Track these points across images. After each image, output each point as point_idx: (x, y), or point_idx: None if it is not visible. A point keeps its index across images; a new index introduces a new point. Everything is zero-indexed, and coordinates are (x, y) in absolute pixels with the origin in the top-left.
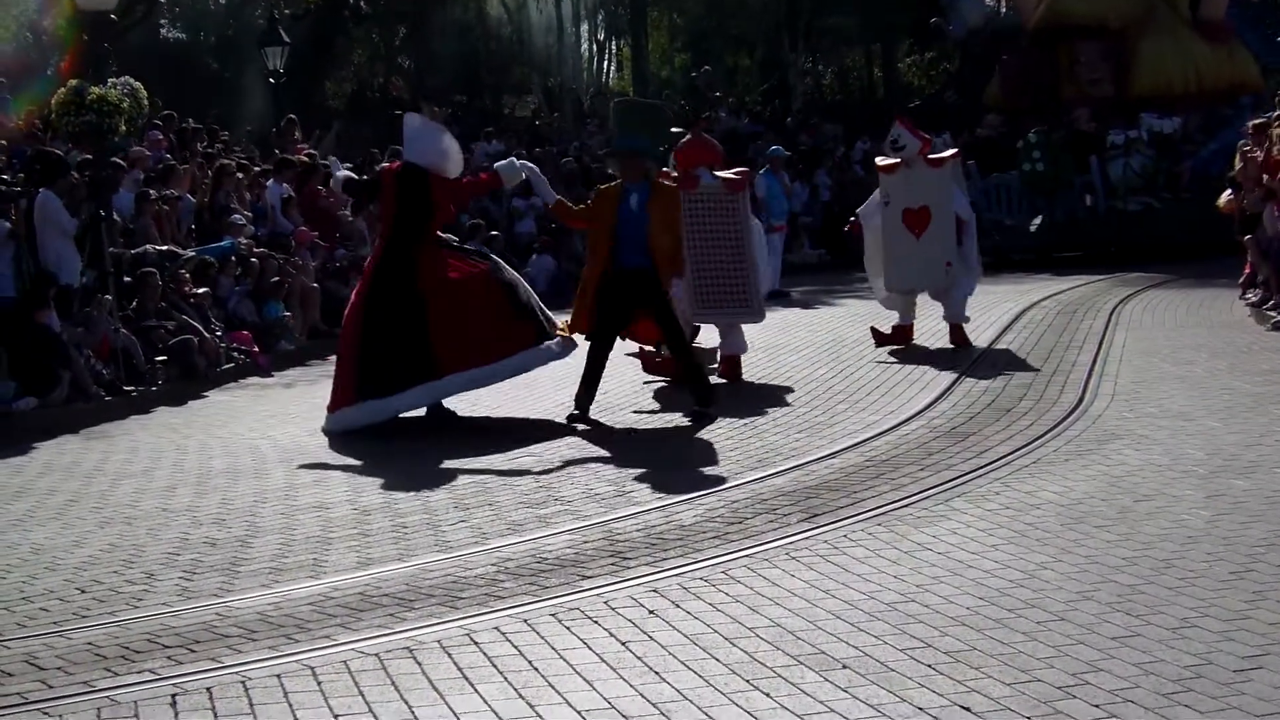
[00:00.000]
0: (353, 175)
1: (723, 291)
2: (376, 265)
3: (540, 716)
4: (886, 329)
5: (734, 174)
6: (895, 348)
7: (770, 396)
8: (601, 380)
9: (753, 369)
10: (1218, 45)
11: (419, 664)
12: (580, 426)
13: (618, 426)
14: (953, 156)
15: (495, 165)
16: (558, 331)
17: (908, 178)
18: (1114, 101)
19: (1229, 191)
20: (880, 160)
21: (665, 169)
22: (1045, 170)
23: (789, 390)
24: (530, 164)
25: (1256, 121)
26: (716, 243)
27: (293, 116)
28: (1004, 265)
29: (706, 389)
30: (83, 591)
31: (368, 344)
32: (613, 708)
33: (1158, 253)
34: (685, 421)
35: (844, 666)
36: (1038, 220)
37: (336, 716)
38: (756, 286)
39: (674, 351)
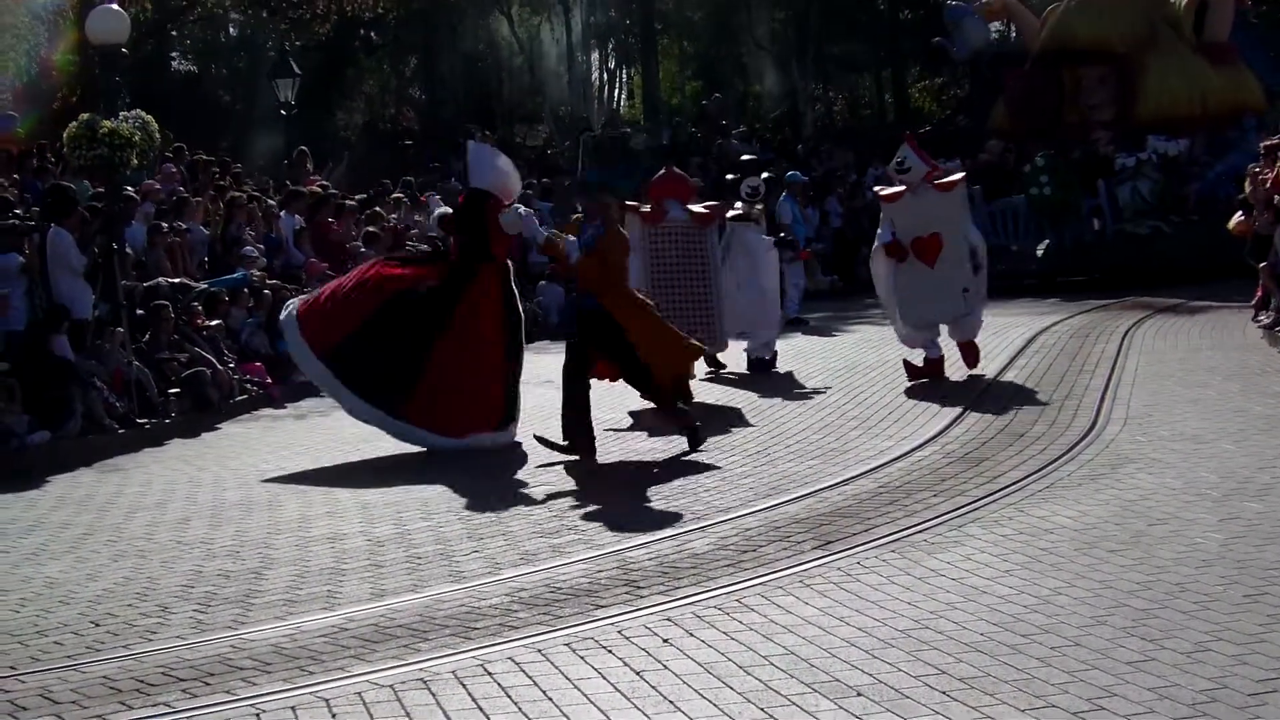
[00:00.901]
0: (449, 210)
1: (685, 322)
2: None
3: None
4: (919, 362)
5: (704, 209)
6: (925, 381)
7: (783, 423)
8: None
9: (762, 397)
10: (1222, 67)
11: (433, 695)
12: (554, 455)
13: (632, 457)
14: (961, 180)
15: (500, 217)
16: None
17: (914, 205)
18: (1119, 124)
19: (1240, 214)
20: (882, 190)
21: (634, 203)
22: (1053, 194)
23: (802, 417)
24: (521, 208)
25: (1268, 143)
26: (681, 274)
27: (304, 148)
28: (1011, 291)
29: (687, 426)
30: (97, 625)
31: (372, 328)
32: None
33: (1166, 276)
34: (699, 449)
35: (858, 694)
36: (1044, 245)
37: None
38: (720, 317)
39: (641, 392)
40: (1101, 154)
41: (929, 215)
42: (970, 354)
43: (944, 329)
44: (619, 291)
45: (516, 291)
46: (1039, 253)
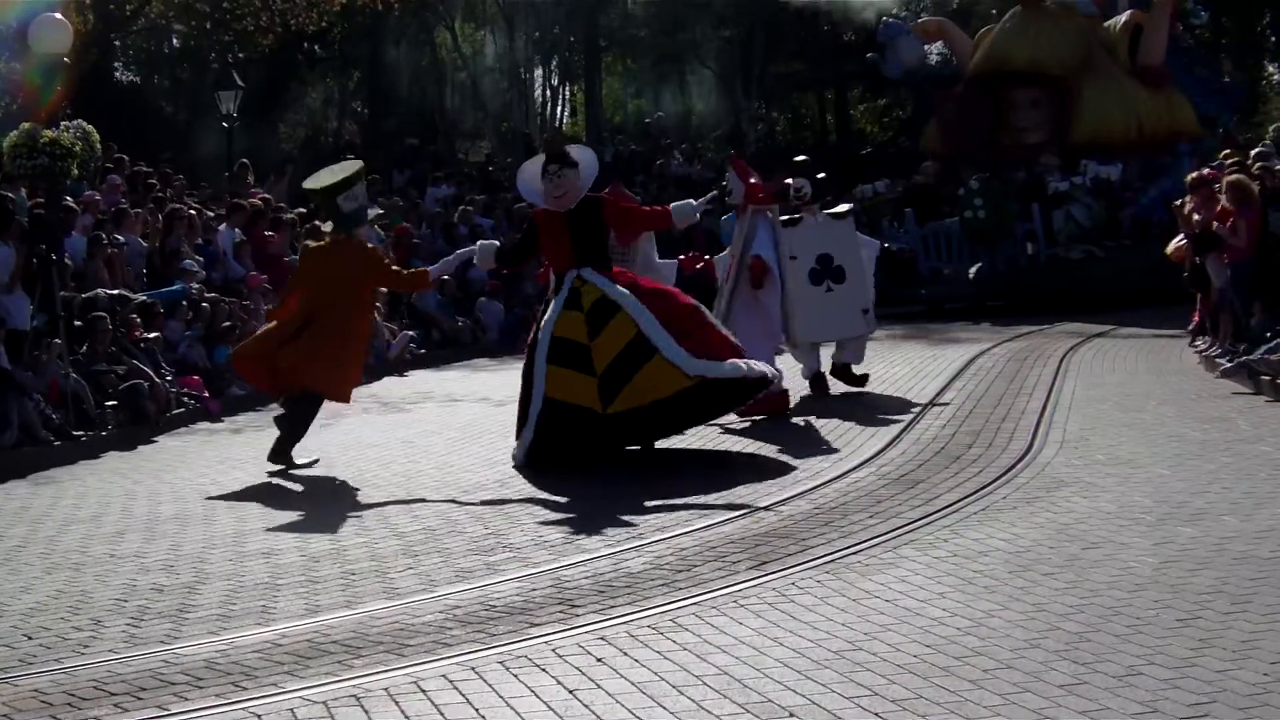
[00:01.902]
0: (498, 243)
1: None
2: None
3: None
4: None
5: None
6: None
7: (719, 444)
8: None
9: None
10: (1157, 91)
11: (366, 712)
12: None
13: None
14: (850, 211)
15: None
16: None
17: (812, 231)
18: (1053, 148)
19: (1179, 238)
20: (782, 216)
21: None
22: (986, 218)
23: (737, 438)
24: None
25: (1194, 176)
26: None
27: (245, 161)
28: (941, 314)
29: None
30: (29, 638)
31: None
32: None
33: (1100, 301)
34: (635, 467)
35: (791, 715)
36: (976, 268)
37: None
38: None
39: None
40: (1041, 177)
41: (828, 241)
42: (851, 378)
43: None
44: None
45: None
46: (970, 275)
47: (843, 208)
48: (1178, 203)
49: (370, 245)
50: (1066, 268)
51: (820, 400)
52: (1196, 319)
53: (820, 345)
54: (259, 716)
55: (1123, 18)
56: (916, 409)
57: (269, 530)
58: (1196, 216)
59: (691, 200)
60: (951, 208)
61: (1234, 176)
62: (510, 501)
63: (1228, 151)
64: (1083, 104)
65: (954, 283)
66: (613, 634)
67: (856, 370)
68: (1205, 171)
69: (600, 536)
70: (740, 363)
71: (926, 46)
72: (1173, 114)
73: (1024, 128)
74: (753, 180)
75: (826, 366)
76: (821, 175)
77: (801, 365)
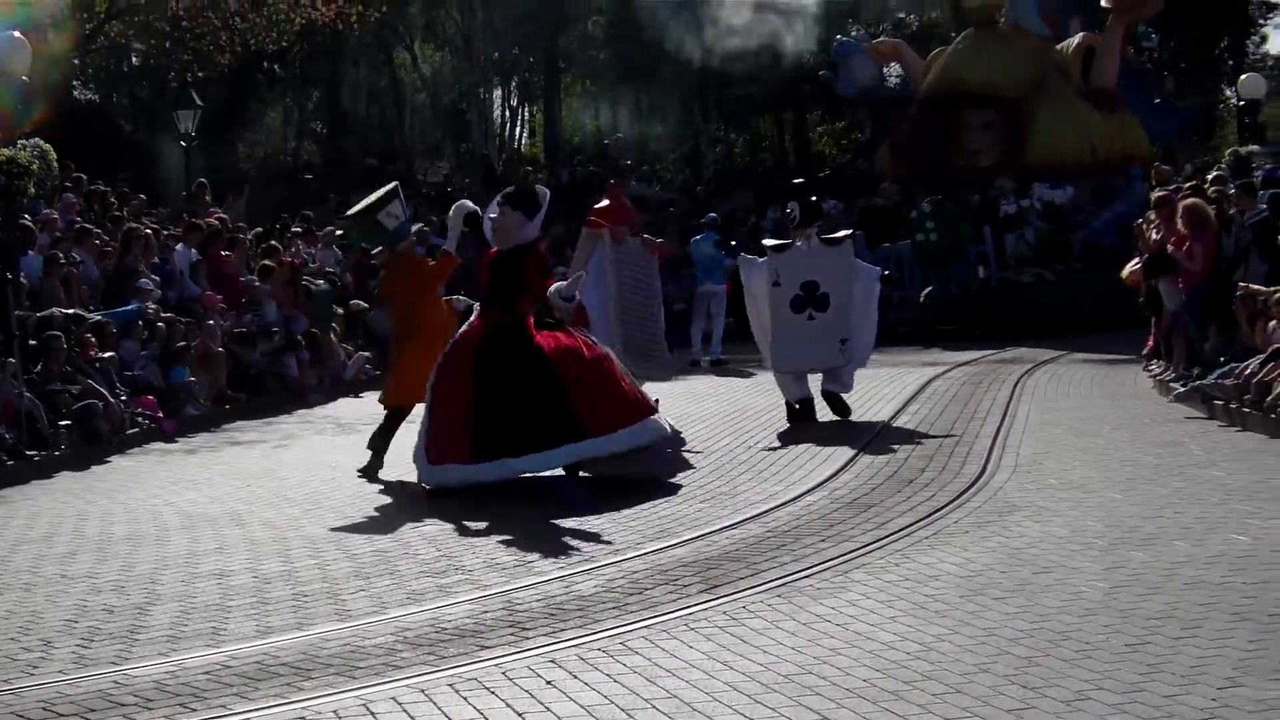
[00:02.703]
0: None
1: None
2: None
3: None
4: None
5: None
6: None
7: (672, 466)
8: None
9: None
10: (1109, 114)
11: None
12: None
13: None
14: (848, 236)
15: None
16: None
17: (801, 257)
18: (1006, 170)
19: (1135, 262)
20: (769, 241)
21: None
22: (939, 241)
23: (692, 460)
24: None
25: (1161, 193)
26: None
27: (203, 180)
28: (891, 338)
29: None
30: None
31: (484, 402)
32: None
33: (1051, 325)
34: (587, 489)
35: None
36: (927, 291)
37: None
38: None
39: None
40: (994, 199)
41: (816, 267)
42: (839, 406)
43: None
44: None
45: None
46: (921, 299)
47: (841, 233)
48: (1140, 221)
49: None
50: (1018, 291)
51: (805, 427)
52: (1151, 343)
53: (806, 373)
54: None
55: (1075, 40)
56: (871, 433)
57: (221, 551)
58: (1156, 236)
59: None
60: (907, 230)
61: (1190, 200)
62: (463, 524)
63: (1187, 183)
64: (1036, 126)
65: (904, 306)
66: (563, 657)
67: (846, 398)
68: (1169, 190)
69: (552, 559)
70: (625, 434)
71: (885, 69)
72: (1125, 137)
73: (976, 149)
74: (600, 205)
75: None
76: (814, 198)
77: (784, 391)
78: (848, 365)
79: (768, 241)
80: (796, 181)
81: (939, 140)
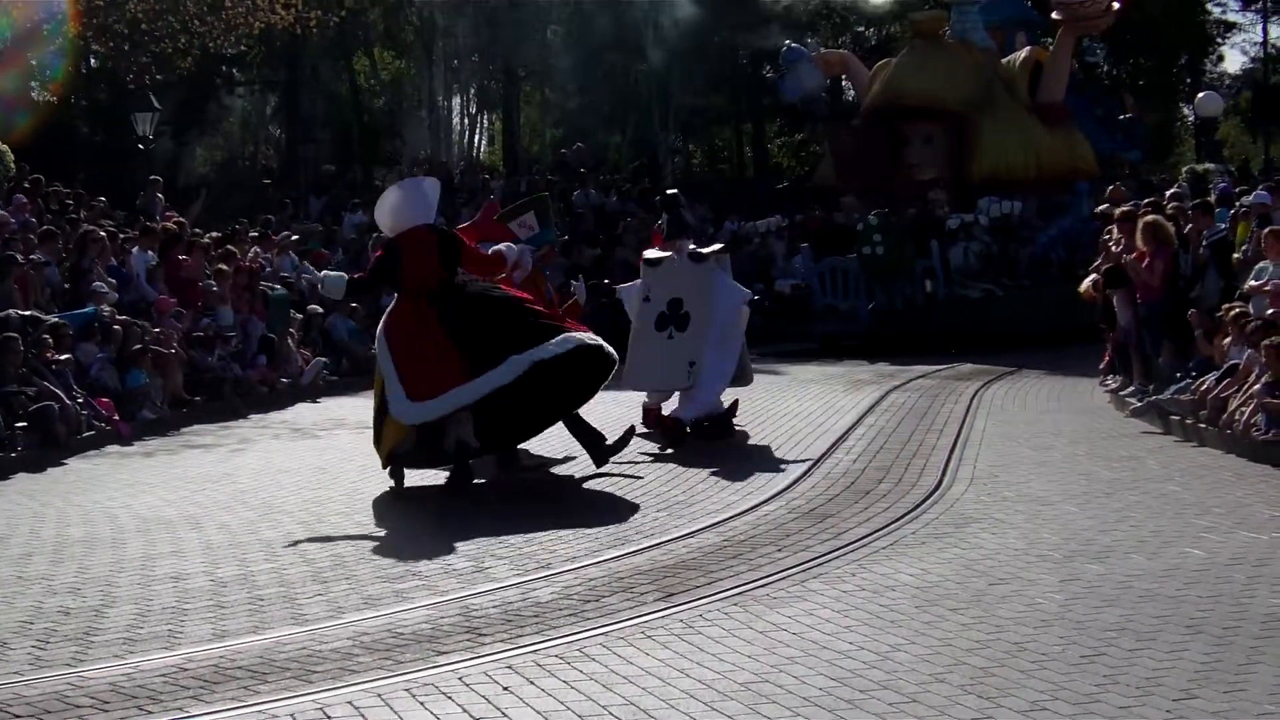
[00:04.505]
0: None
1: None
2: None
3: None
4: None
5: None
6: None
7: (629, 475)
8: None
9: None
10: (1056, 129)
11: None
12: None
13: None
14: (714, 252)
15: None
16: None
17: (670, 273)
18: (948, 184)
19: (1091, 278)
20: (648, 254)
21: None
22: (885, 255)
23: (649, 469)
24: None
25: (1124, 209)
26: None
27: (157, 178)
28: (835, 352)
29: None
30: None
31: (459, 330)
32: None
33: (1000, 341)
34: (544, 496)
35: None
36: (871, 305)
37: None
38: None
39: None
40: (935, 214)
41: (681, 284)
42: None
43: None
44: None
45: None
46: (866, 312)
47: (711, 248)
48: (1105, 236)
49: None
50: (966, 306)
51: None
52: (1107, 358)
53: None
54: None
55: (1022, 54)
56: (828, 445)
57: (177, 555)
58: (1115, 250)
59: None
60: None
61: (1151, 217)
62: (420, 530)
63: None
64: (981, 140)
65: (850, 319)
66: (520, 663)
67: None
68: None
69: (509, 566)
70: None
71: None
72: (1072, 152)
73: (915, 164)
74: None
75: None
76: (682, 209)
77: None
78: (696, 390)
79: (647, 254)
80: (670, 192)
81: (882, 154)
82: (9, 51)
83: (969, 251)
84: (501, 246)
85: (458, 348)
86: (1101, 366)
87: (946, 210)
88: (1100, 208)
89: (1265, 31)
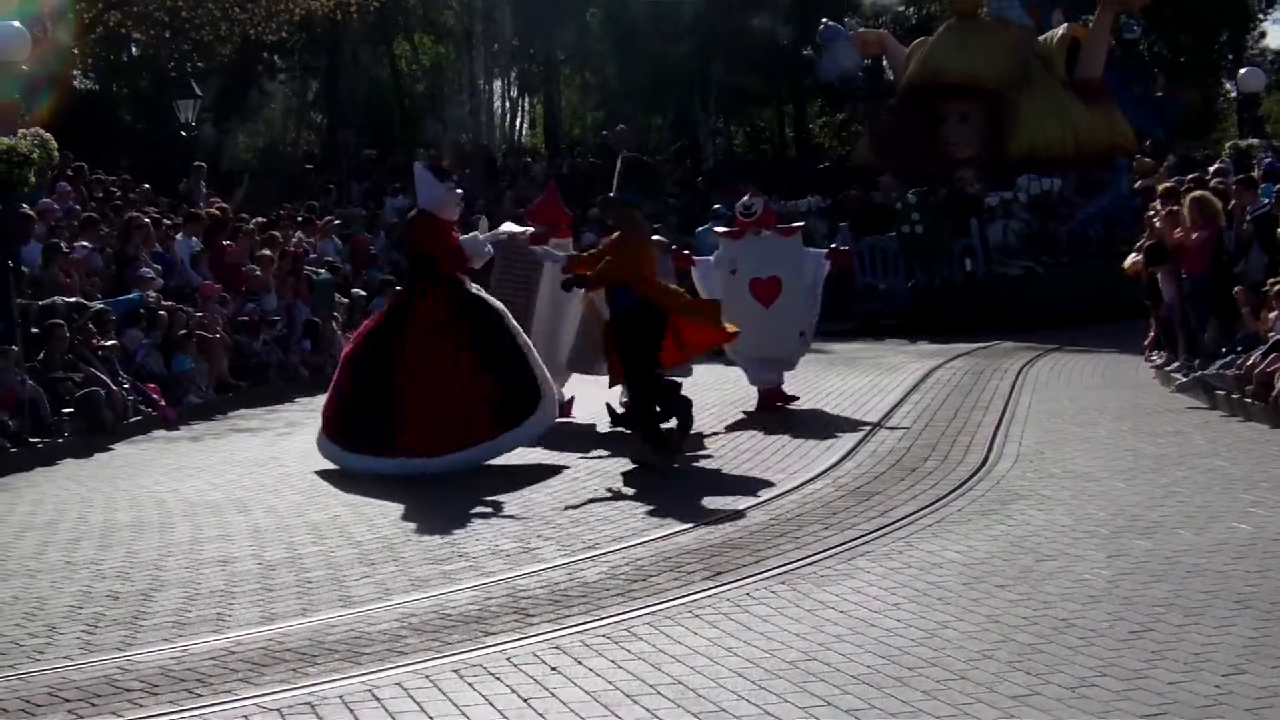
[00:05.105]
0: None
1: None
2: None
3: None
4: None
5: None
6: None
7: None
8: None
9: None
10: (1095, 105)
11: None
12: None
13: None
14: (800, 228)
15: (462, 241)
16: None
17: (757, 246)
18: (987, 162)
19: (1134, 254)
20: (720, 228)
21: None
22: (924, 233)
23: (696, 448)
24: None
25: (1166, 185)
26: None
27: (200, 164)
28: (872, 331)
29: (656, 437)
30: None
31: (345, 387)
32: None
33: (1041, 319)
34: (591, 476)
35: None
36: (910, 284)
37: None
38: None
39: (631, 391)
40: (968, 193)
41: (771, 257)
42: (775, 397)
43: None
44: (651, 282)
45: (485, 295)
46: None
47: (794, 225)
48: (1150, 213)
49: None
50: (1006, 284)
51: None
52: (1152, 334)
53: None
54: None
55: (1060, 31)
56: (873, 423)
57: (225, 538)
58: (1159, 225)
59: (477, 235)
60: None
61: (1199, 193)
62: (467, 511)
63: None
64: (1019, 118)
65: (890, 298)
66: (567, 643)
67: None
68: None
69: (556, 546)
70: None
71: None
72: (1111, 128)
73: (953, 142)
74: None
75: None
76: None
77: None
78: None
79: (719, 229)
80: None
81: (918, 133)
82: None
83: (1008, 229)
84: (465, 238)
85: (405, 407)
86: (1146, 342)
87: (977, 188)
88: (1138, 182)
89: None
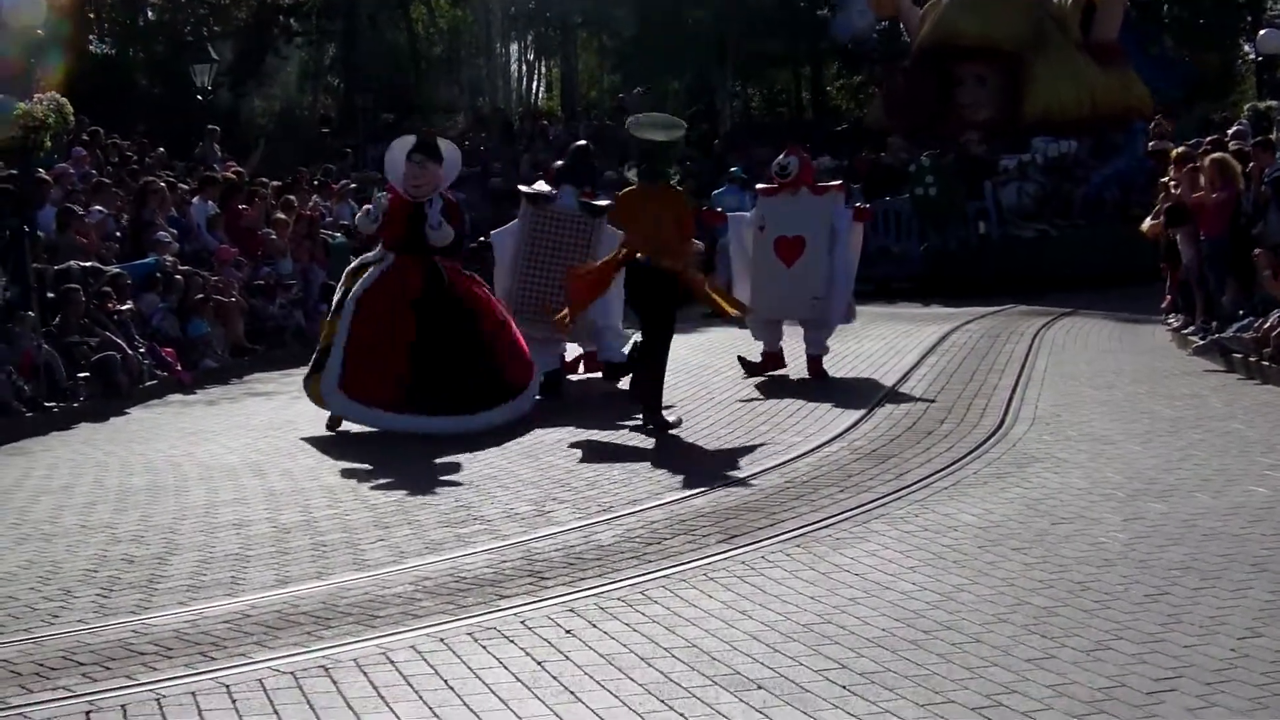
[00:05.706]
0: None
1: (543, 306)
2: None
3: None
4: (756, 358)
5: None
6: (764, 377)
7: (691, 417)
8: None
9: (674, 390)
10: (1110, 68)
11: (334, 683)
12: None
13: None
14: (837, 187)
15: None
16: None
17: (788, 205)
18: (1002, 125)
19: (1152, 218)
20: (760, 185)
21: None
22: (938, 196)
23: (710, 411)
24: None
25: (1180, 150)
26: (556, 259)
27: (214, 127)
28: (885, 294)
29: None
30: None
31: (422, 355)
32: None
33: (1055, 282)
34: (606, 440)
35: (759, 687)
36: (924, 246)
37: None
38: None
39: (644, 352)
40: (975, 154)
41: (800, 218)
42: (815, 368)
43: (795, 335)
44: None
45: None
46: (919, 253)
47: (831, 184)
48: (1165, 179)
49: None
50: (1021, 247)
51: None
52: (1169, 297)
53: (782, 322)
54: (227, 687)
55: None
56: (889, 385)
57: (239, 502)
58: (1175, 190)
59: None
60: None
61: (1218, 155)
62: (481, 475)
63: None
64: (1034, 80)
65: (903, 261)
66: (582, 606)
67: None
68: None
69: (570, 509)
70: (507, 409)
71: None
72: (1127, 91)
73: (968, 105)
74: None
75: (788, 346)
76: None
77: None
78: (821, 323)
79: (759, 186)
80: (581, 143)
81: (932, 95)
82: None
83: (1023, 192)
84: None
85: (410, 361)
86: (1163, 305)
87: (983, 149)
88: (1151, 144)
89: None
